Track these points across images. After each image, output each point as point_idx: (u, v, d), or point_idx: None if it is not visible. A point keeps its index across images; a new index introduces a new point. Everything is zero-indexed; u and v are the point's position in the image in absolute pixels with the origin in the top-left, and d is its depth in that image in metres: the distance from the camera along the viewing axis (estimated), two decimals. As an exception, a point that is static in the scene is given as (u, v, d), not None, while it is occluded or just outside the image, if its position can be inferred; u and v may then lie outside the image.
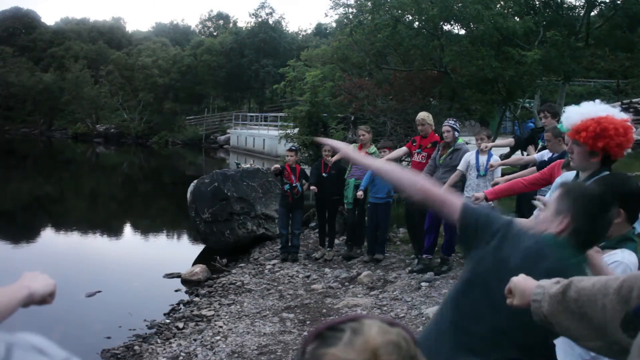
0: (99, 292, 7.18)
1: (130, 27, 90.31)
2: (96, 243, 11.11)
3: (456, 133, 6.57)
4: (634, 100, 15.86)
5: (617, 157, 2.48)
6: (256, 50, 41.09)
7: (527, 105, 13.62)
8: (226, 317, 6.00)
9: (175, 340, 5.54)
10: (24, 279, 1.35)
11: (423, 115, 7.02)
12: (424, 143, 6.96)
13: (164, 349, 5.32)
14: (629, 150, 2.55)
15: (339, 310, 5.86)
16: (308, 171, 8.33)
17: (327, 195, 7.80)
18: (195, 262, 8.62)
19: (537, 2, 12.02)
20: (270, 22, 42.72)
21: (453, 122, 6.62)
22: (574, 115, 2.49)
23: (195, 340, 5.41)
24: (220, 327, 5.68)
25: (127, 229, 13.05)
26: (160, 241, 11.66)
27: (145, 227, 12.90)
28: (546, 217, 1.81)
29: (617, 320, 1.23)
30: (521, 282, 1.53)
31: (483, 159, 6.14)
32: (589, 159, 2.48)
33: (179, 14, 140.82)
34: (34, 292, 1.32)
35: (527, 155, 6.69)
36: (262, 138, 28.47)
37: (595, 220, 1.74)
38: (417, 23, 11.06)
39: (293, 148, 8.21)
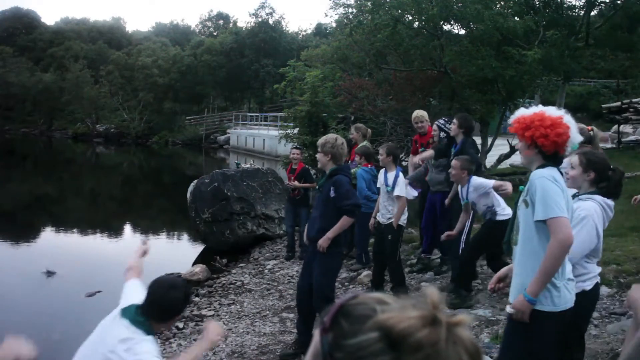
0: (99, 292, 7.17)
1: (130, 27, 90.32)
2: (96, 243, 11.11)
3: (442, 133, 6.27)
4: (634, 100, 15.81)
5: (547, 149, 2.56)
6: (256, 50, 41.10)
7: (527, 105, 13.59)
8: (226, 317, 6.01)
9: (175, 340, 5.54)
10: (9, 346, 1.54)
11: (418, 112, 6.84)
12: (425, 140, 6.86)
13: (164, 349, 5.32)
14: (569, 148, 2.59)
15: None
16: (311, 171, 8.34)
17: None
18: (195, 262, 8.62)
19: (537, 2, 12.00)
20: (270, 22, 42.74)
21: (443, 122, 6.43)
22: (517, 113, 2.67)
23: (195, 340, 5.41)
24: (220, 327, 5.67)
25: (127, 228, 13.04)
26: (160, 241, 11.65)
27: (145, 227, 12.90)
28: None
29: None
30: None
31: (390, 175, 5.67)
32: (526, 152, 2.64)
33: (179, 14, 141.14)
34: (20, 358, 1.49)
35: None
36: (262, 138, 28.47)
37: None
38: (417, 23, 11.03)
39: (298, 147, 8.33)
